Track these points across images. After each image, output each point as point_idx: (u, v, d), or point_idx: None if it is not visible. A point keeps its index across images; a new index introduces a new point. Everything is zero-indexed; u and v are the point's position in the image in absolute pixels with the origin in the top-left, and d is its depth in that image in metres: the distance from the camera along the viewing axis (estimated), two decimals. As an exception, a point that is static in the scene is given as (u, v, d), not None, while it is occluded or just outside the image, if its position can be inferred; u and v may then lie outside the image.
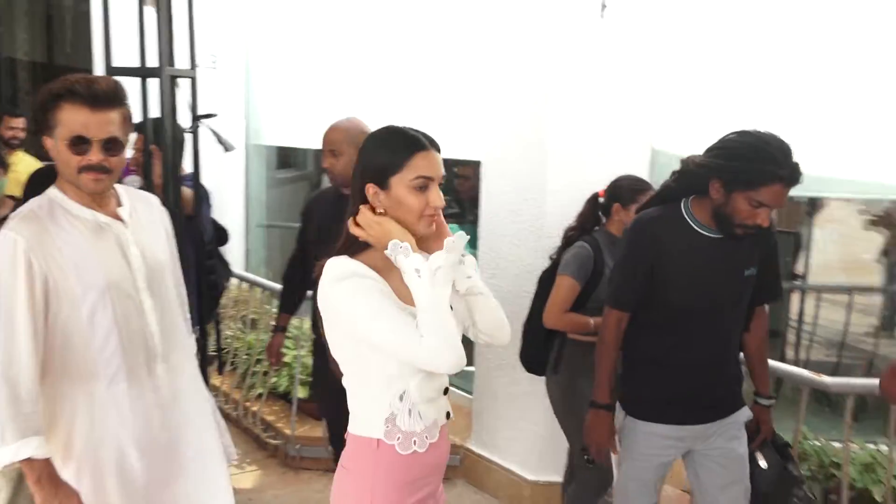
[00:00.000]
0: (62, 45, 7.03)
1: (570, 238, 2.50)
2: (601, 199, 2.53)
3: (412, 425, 1.46)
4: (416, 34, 3.91)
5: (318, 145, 2.49)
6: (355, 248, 1.45)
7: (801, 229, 4.46)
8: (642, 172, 3.07)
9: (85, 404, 1.66)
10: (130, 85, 2.18)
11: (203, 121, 2.28)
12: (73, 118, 1.53)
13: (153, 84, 2.17)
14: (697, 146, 3.20)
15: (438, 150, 1.46)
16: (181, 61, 2.27)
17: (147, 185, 2.29)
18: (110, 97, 1.57)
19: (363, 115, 2.67)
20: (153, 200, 1.85)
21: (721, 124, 3.42)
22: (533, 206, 2.93)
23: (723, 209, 1.86)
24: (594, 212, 2.54)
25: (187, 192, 2.42)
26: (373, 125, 2.81)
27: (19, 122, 4.22)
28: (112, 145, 1.58)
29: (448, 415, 1.54)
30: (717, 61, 3.23)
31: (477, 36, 3.44)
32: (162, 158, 2.23)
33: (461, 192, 4.44)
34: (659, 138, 3.16)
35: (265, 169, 5.40)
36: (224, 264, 3.05)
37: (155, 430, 1.73)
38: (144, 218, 1.76)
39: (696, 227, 1.94)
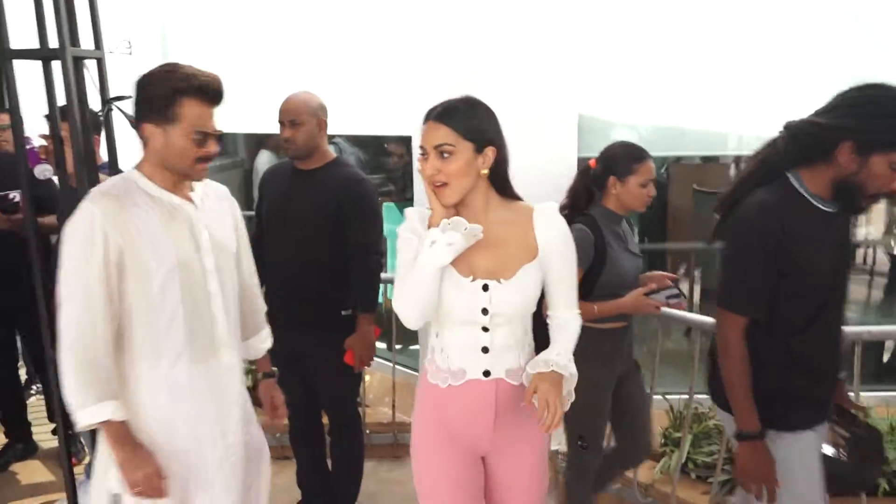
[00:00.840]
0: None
1: (564, 218, 2.24)
2: (593, 171, 2.32)
3: (441, 363, 1.73)
4: (342, 12, 3.83)
5: (245, 129, 2.43)
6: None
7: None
8: (571, 138, 3.10)
9: (148, 382, 1.72)
10: (33, 69, 2.08)
11: (115, 104, 2.16)
12: (196, 113, 1.66)
13: (57, 68, 2.04)
14: (624, 110, 3.25)
15: (443, 123, 1.61)
16: (86, 42, 2.15)
17: (60, 174, 2.17)
18: (221, 94, 1.72)
19: (275, 94, 2.61)
20: (222, 190, 1.91)
21: (647, 87, 3.51)
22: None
23: (854, 177, 1.63)
24: (586, 185, 2.32)
25: (103, 179, 2.31)
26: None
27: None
28: (219, 138, 1.74)
29: (486, 373, 1.69)
30: (642, 22, 3.27)
31: (403, 10, 3.39)
32: (73, 146, 2.10)
33: (392, 169, 4.40)
34: (586, 104, 3.19)
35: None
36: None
37: (211, 415, 1.78)
38: (214, 205, 1.83)
39: (815, 203, 1.72)
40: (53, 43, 2.00)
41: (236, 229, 1.91)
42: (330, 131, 2.61)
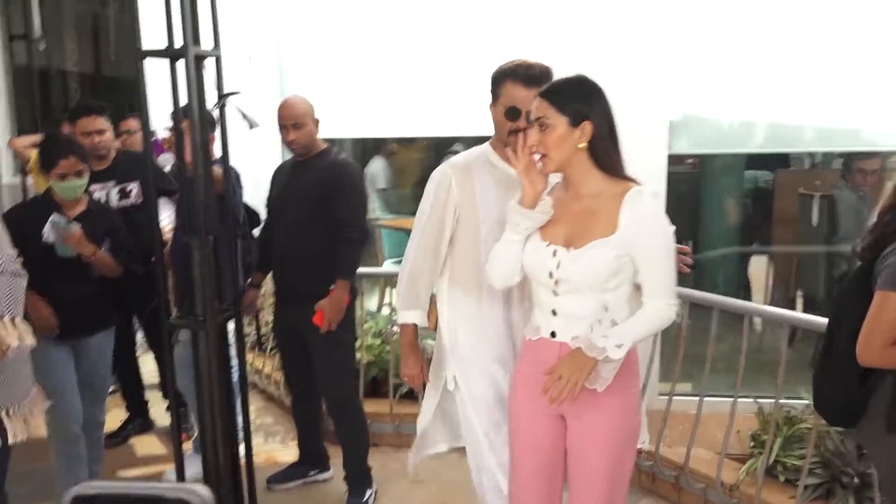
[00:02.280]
0: (108, 55, 7.34)
1: (886, 235, 1.79)
2: None
3: (531, 317, 1.92)
4: (441, 18, 4.00)
5: (356, 135, 2.73)
6: None
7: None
8: (661, 136, 3.10)
9: (469, 315, 2.19)
10: (161, 67, 2.34)
11: (227, 99, 2.39)
12: (511, 93, 2.03)
13: (180, 66, 2.29)
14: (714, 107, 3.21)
15: (542, 96, 1.78)
16: (207, 44, 2.39)
17: (179, 164, 2.42)
18: (540, 78, 1.98)
19: (387, 99, 2.85)
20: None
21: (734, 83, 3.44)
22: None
23: None
24: None
25: (216, 171, 2.55)
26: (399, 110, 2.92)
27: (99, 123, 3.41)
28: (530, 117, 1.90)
29: (553, 334, 1.82)
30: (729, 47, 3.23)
31: (493, 13, 3.52)
32: (192, 138, 2.34)
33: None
34: (677, 102, 3.18)
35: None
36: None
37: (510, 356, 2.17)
38: None
39: None
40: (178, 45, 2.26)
41: None
42: (437, 133, 2.87)
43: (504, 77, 2.06)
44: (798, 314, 2.71)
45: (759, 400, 3.02)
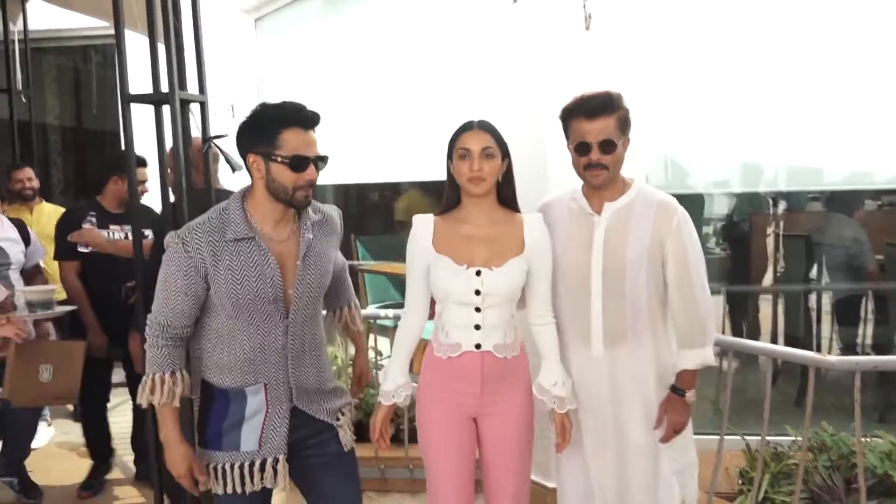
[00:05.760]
0: (89, 108, 7.40)
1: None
2: None
3: (443, 339, 2.07)
4: (415, 67, 4.10)
5: (345, 180, 2.71)
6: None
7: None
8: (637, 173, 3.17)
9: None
10: (146, 112, 2.38)
11: (213, 142, 2.42)
12: (577, 128, 2.06)
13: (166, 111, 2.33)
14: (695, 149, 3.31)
15: (486, 131, 2.00)
16: (193, 89, 2.44)
17: (164, 203, 2.44)
18: (601, 107, 2.02)
19: (373, 137, 2.85)
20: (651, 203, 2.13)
21: (708, 130, 3.56)
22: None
23: None
24: None
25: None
26: (383, 150, 2.96)
27: (27, 173, 4.26)
28: (607, 146, 2.03)
29: (478, 346, 2.02)
30: (700, 67, 3.34)
31: (474, 58, 3.61)
32: (175, 179, 2.37)
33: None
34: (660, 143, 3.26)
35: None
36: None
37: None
38: (625, 217, 2.11)
39: None
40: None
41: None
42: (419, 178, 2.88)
43: (568, 115, 2.11)
44: (781, 347, 2.73)
45: (746, 437, 3.02)
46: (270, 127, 1.80)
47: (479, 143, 1.98)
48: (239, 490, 1.91)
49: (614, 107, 2.04)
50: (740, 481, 2.89)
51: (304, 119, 1.83)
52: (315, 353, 1.99)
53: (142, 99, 2.30)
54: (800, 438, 2.63)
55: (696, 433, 2.79)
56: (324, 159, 1.86)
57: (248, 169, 1.87)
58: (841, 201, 4.43)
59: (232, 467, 1.91)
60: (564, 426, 2.10)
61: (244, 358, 1.88)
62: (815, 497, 2.64)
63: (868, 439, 2.81)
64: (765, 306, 4.83)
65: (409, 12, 4.18)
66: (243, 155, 1.86)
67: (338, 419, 2.03)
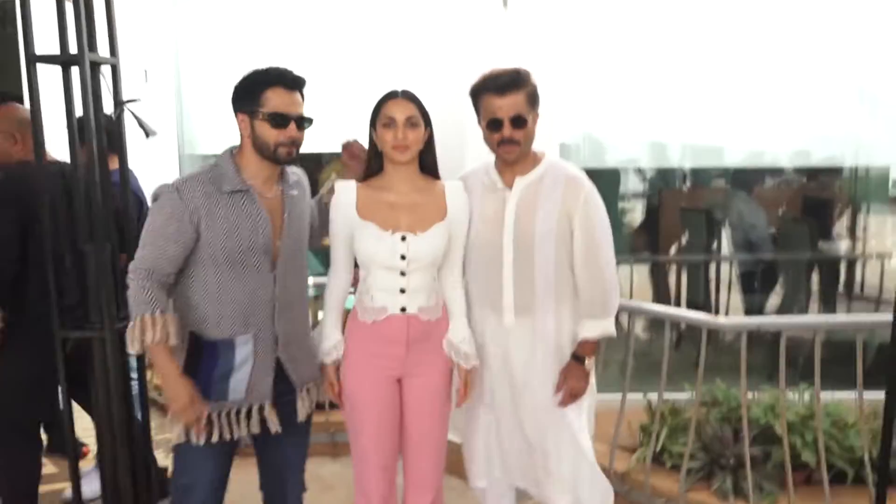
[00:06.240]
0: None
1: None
2: None
3: (367, 303, 2.12)
4: (336, 38, 4.10)
5: None
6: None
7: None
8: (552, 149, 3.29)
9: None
10: (52, 73, 2.30)
11: (126, 106, 2.37)
12: (488, 105, 2.09)
13: (75, 73, 2.26)
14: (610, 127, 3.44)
15: (411, 101, 2.06)
16: (103, 51, 2.37)
17: (73, 172, 2.36)
18: (510, 83, 2.05)
19: None
20: (558, 176, 2.17)
21: (622, 109, 3.72)
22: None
23: None
24: None
25: None
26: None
27: None
28: (518, 121, 2.06)
29: (403, 309, 2.10)
30: (616, 49, 3.48)
31: (394, 36, 3.64)
32: (87, 148, 2.31)
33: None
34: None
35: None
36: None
37: None
38: (534, 191, 2.15)
39: None
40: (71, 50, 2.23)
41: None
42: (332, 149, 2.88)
43: (477, 92, 2.14)
44: (677, 310, 2.92)
45: (648, 395, 3.23)
46: (255, 87, 1.96)
47: (404, 111, 2.04)
48: (227, 437, 2.00)
49: (523, 82, 2.09)
50: (641, 435, 3.10)
51: (287, 80, 1.97)
52: (300, 304, 2.14)
53: (49, 59, 2.22)
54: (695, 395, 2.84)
55: (604, 392, 2.97)
56: (307, 119, 1.99)
57: (239, 128, 2.01)
58: (743, 179, 4.71)
59: (220, 415, 1.99)
60: (467, 381, 2.22)
61: (234, 309, 1.96)
62: (706, 446, 2.86)
63: (756, 395, 3.07)
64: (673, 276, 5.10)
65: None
66: (235, 115, 2.00)
67: (306, 390, 2.15)
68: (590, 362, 2.21)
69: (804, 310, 4.66)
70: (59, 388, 2.47)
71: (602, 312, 2.17)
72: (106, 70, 2.36)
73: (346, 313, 2.26)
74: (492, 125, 2.10)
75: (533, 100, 2.11)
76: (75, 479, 2.49)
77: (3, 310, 2.66)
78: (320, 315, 2.25)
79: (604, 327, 2.18)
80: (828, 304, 4.70)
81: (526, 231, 2.14)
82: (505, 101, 2.06)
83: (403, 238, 2.08)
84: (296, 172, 2.15)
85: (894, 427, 1.80)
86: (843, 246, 4.71)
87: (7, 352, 2.66)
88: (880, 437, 1.91)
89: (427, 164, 2.15)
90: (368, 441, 2.17)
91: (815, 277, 4.76)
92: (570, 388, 2.20)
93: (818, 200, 4.72)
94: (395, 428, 2.20)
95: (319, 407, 3.35)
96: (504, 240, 2.15)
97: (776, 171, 4.73)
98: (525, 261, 2.15)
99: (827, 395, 2.96)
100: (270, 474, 2.23)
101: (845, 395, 2.95)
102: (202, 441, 2.00)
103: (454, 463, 3.29)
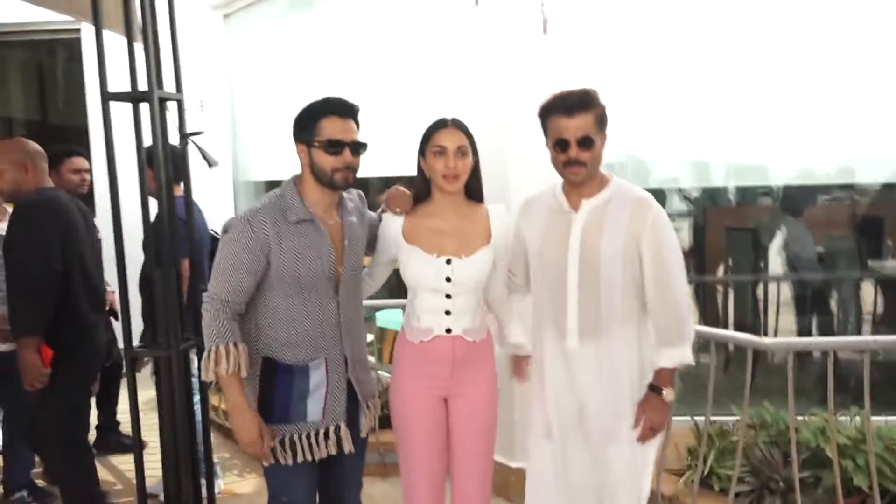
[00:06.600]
0: (55, 102, 7.35)
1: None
2: None
3: (415, 324, 2.22)
4: (381, 64, 4.23)
5: None
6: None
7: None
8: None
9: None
10: (123, 110, 2.46)
11: (190, 139, 2.52)
12: (556, 125, 2.07)
13: (145, 109, 2.42)
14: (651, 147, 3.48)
15: (461, 130, 2.15)
16: (169, 87, 2.53)
17: (144, 200, 2.51)
18: (579, 104, 2.05)
19: None
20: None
21: (663, 129, 3.75)
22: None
23: None
24: None
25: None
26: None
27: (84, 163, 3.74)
28: (585, 143, 2.05)
29: (448, 330, 2.18)
30: (657, 67, 3.53)
31: (437, 62, 3.76)
32: (155, 177, 2.46)
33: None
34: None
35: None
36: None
37: None
38: (601, 213, 2.13)
39: None
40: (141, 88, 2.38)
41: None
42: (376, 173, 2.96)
43: (546, 113, 2.11)
44: (722, 331, 2.92)
45: (696, 418, 3.22)
46: (311, 117, 2.05)
47: (454, 141, 2.11)
48: (309, 458, 2.08)
49: (592, 104, 2.06)
50: (688, 458, 3.09)
51: (340, 108, 2.06)
52: (360, 326, 2.25)
53: (121, 97, 2.38)
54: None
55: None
56: (361, 145, 2.07)
57: (299, 158, 2.09)
58: (792, 197, 4.66)
59: (300, 437, 2.07)
60: (521, 366, 2.36)
61: (305, 334, 2.05)
62: (755, 470, 2.85)
63: (806, 418, 3.04)
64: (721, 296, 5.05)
65: (377, 12, 4.30)
66: (296, 146, 2.08)
67: (367, 406, 2.23)
68: (668, 392, 2.12)
69: (858, 331, 4.56)
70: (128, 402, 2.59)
71: (679, 340, 2.09)
72: (170, 105, 2.52)
73: (395, 335, 2.35)
74: (559, 146, 2.07)
75: (601, 121, 2.08)
76: (140, 479, 2.59)
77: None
78: (369, 338, 2.33)
79: (681, 355, 2.09)
80: (888, 325, 4.58)
81: (592, 253, 2.09)
82: (573, 123, 2.03)
83: (448, 261, 2.15)
84: (353, 199, 2.23)
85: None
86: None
87: (59, 372, 2.83)
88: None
89: (472, 189, 2.22)
90: (417, 459, 2.22)
91: (871, 298, 4.66)
92: (649, 420, 2.11)
93: (871, 218, 4.63)
94: (442, 447, 2.25)
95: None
96: (569, 261, 2.12)
97: (824, 189, 4.66)
98: (591, 283, 2.10)
99: (880, 420, 2.93)
100: (332, 490, 2.30)
101: (900, 419, 2.91)
102: (290, 462, 2.07)
103: (500, 484, 3.35)
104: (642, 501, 2.16)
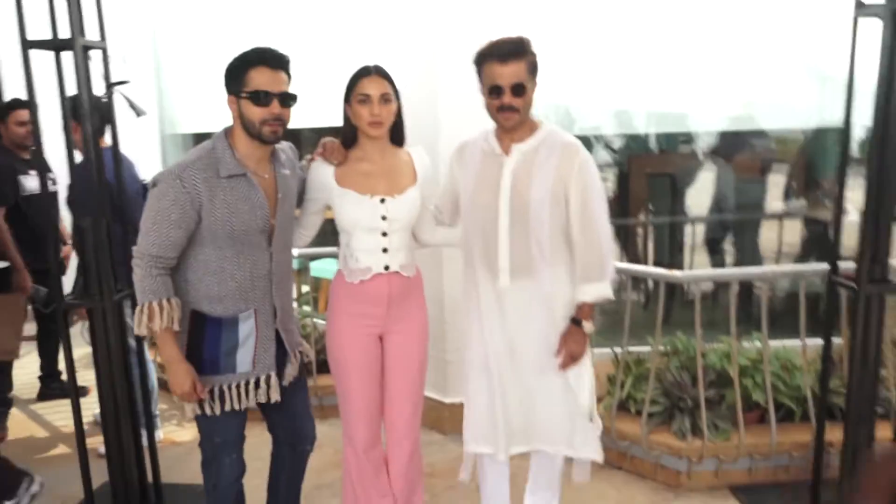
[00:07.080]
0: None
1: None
2: None
3: (352, 264, 2.29)
4: (311, 13, 4.21)
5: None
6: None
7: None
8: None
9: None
10: (45, 58, 2.42)
11: (116, 88, 2.51)
12: (490, 72, 2.12)
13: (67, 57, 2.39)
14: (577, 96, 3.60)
15: (385, 78, 2.19)
16: (91, 36, 2.49)
17: (69, 151, 2.51)
18: (513, 52, 2.09)
19: None
20: (561, 146, 2.22)
21: (588, 78, 3.88)
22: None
23: None
24: None
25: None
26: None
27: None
28: (518, 89, 2.11)
29: (386, 267, 2.27)
30: (578, 21, 3.64)
31: (367, 10, 3.77)
32: (81, 128, 2.44)
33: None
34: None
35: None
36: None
37: None
38: (531, 158, 2.22)
39: None
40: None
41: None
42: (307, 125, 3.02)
43: (481, 59, 2.16)
44: (638, 266, 3.12)
45: (615, 349, 3.45)
46: (240, 68, 2.03)
47: (378, 88, 2.17)
48: (237, 407, 2.13)
49: (525, 51, 2.12)
50: (608, 385, 3.33)
51: (270, 58, 2.03)
52: (290, 277, 2.29)
53: (42, 45, 2.35)
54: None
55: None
56: (291, 96, 2.06)
57: (230, 109, 2.07)
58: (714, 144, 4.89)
59: (230, 387, 2.12)
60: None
61: (236, 287, 2.08)
62: (666, 392, 3.10)
63: (714, 345, 3.31)
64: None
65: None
66: (227, 96, 2.05)
67: (294, 354, 2.30)
68: (588, 325, 2.25)
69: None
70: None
71: (599, 276, 2.21)
72: (93, 53, 2.49)
73: (328, 282, 2.43)
74: (493, 92, 2.13)
75: (533, 69, 2.15)
76: (79, 427, 2.63)
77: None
78: (304, 288, 2.38)
79: (601, 290, 2.21)
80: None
81: (522, 196, 2.18)
82: (507, 69, 2.09)
83: (382, 200, 2.25)
84: (285, 150, 2.25)
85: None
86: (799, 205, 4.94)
87: None
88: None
89: (396, 134, 2.30)
90: (355, 396, 2.35)
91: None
92: (569, 351, 2.24)
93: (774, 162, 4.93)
94: (378, 382, 2.38)
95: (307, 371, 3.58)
96: (500, 204, 2.21)
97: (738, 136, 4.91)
98: (521, 225, 2.20)
99: (779, 344, 3.21)
100: (287, 418, 2.36)
101: (796, 343, 3.19)
102: (217, 412, 2.13)
103: (434, 419, 3.53)
104: (581, 414, 2.29)
